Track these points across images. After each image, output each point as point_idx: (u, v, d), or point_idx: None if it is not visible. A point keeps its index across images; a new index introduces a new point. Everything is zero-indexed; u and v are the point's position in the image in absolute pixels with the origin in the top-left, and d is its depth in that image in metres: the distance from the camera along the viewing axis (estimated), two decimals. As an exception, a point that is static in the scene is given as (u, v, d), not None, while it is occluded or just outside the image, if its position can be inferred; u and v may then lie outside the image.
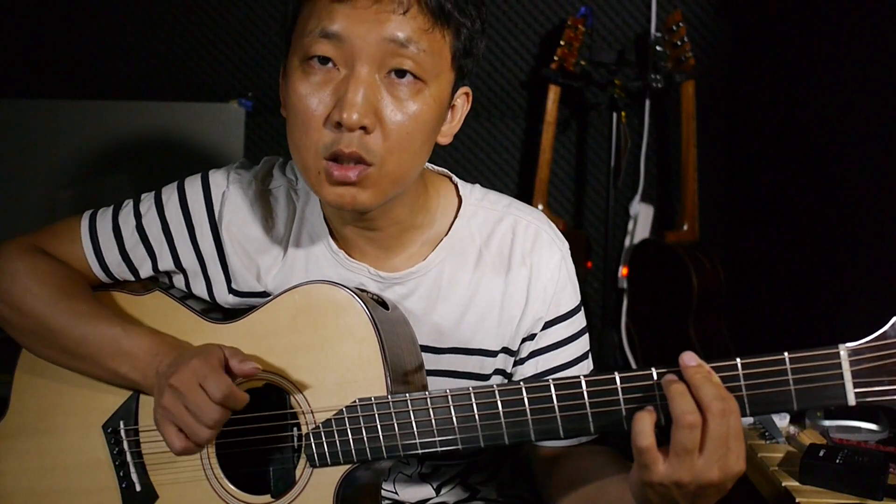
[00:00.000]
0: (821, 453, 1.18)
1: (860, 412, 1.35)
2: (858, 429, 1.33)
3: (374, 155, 0.90)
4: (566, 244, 1.11)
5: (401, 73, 0.90)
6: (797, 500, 1.12)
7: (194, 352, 0.96)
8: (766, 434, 1.32)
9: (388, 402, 0.92)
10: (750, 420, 1.37)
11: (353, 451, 0.94)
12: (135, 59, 2.35)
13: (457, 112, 1.02)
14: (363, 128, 0.89)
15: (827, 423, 1.35)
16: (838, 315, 1.83)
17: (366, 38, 0.88)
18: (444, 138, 1.01)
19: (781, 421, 1.36)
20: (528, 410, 0.88)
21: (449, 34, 0.93)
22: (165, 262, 1.11)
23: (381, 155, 0.91)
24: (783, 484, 1.17)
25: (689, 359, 0.81)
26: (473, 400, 0.90)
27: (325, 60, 0.90)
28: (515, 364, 1.11)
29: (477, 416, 0.90)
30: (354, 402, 0.94)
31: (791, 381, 0.81)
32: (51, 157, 2.23)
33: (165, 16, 2.34)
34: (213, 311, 1.10)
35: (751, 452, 1.29)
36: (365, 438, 0.93)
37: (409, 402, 0.92)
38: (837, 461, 1.14)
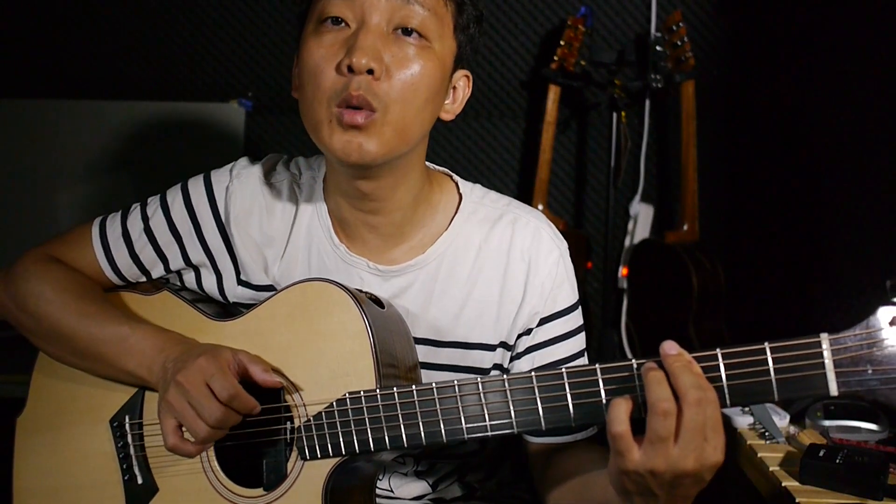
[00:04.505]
0: (821, 453, 1.17)
1: (860, 412, 1.35)
2: (858, 429, 1.33)
3: (379, 101, 0.94)
4: (565, 243, 1.13)
5: (407, 31, 0.96)
6: (797, 500, 1.12)
7: (201, 350, 0.98)
8: (766, 434, 1.32)
9: (377, 396, 0.94)
10: (749, 420, 1.37)
11: (342, 443, 0.95)
12: (135, 59, 2.35)
13: (458, 93, 1.07)
14: (371, 72, 0.93)
15: (827, 423, 1.34)
16: (839, 314, 1.83)
17: None
18: (447, 115, 1.06)
19: (781, 421, 1.36)
20: (510, 403, 0.90)
21: (451, 5, 0.99)
22: (176, 262, 1.14)
23: (386, 102, 0.94)
24: (783, 484, 1.17)
25: (669, 347, 0.81)
26: (458, 393, 0.91)
27: (338, 21, 0.96)
28: (512, 359, 1.12)
29: (461, 409, 0.91)
30: (344, 395, 0.95)
31: (772, 371, 0.81)
32: (51, 157, 2.23)
33: (165, 16, 2.34)
34: (218, 310, 1.12)
35: (751, 452, 1.28)
36: (353, 431, 0.95)
37: (395, 395, 0.93)
38: (837, 461, 1.14)
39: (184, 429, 0.98)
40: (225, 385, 0.94)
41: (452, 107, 1.06)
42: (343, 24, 0.96)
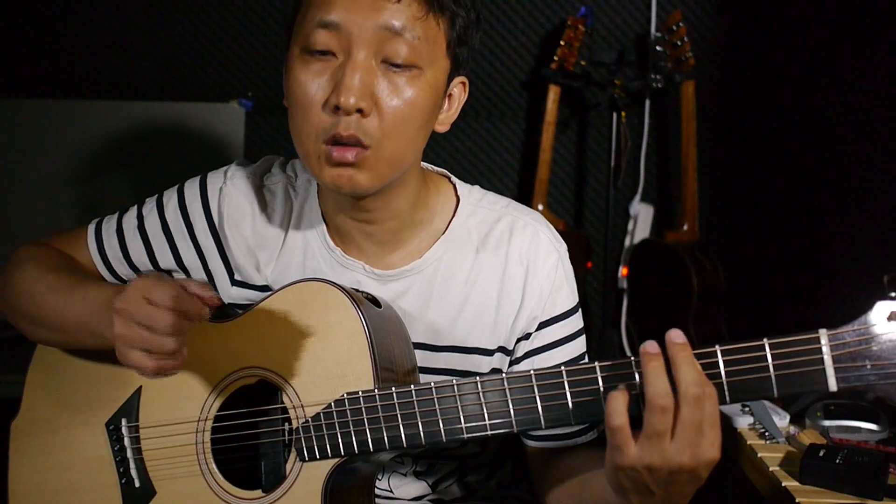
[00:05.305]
0: (821, 453, 1.17)
1: (860, 412, 1.34)
2: (858, 429, 1.33)
3: (370, 138, 0.92)
4: (564, 245, 1.12)
5: (396, 64, 0.92)
6: (797, 500, 1.12)
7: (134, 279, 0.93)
8: (767, 434, 1.32)
9: (375, 396, 0.93)
10: (750, 420, 1.37)
11: (341, 444, 0.95)
12: (135, 59, 2.35)
13: (454, 101, 1.04)
14: (360, 111, 0.91)
15: (827, 423, 1.34)
16: (839, 314, 1.83)
17: (362, 25, 0.91)
18: (442, 126, 1.04)
19: (781, 421, 1.36)
20: (509, 402, 0.90)
21: (444, 22, 0.95)
22: (166, 261, 1.13)
23: (378, 138, 0.92)
24: (783, 484, 1.17)
25: (675, 336, 0.81)
26: (457, 392, 0.91)
27: (324, 52, 0.92)
28: (511, 364, 1.11)
29: (460, 409, 0.91)
30: (342, 396, 0.95)
31: (771, 368, 0.80)
32: (51, 157, 2.23)
33: (165, 16, 2.34)
34: (214, 311, 1.10)
35: (751, 452, 1.28)
36: (352, 432, 0.94)
37: (394, 395, 0.93)
38: (837, 461, 1.14)
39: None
40: (164, 291, 0.86)
41: (448, 115, 1.04)
42: (330, 55, 0.93)
